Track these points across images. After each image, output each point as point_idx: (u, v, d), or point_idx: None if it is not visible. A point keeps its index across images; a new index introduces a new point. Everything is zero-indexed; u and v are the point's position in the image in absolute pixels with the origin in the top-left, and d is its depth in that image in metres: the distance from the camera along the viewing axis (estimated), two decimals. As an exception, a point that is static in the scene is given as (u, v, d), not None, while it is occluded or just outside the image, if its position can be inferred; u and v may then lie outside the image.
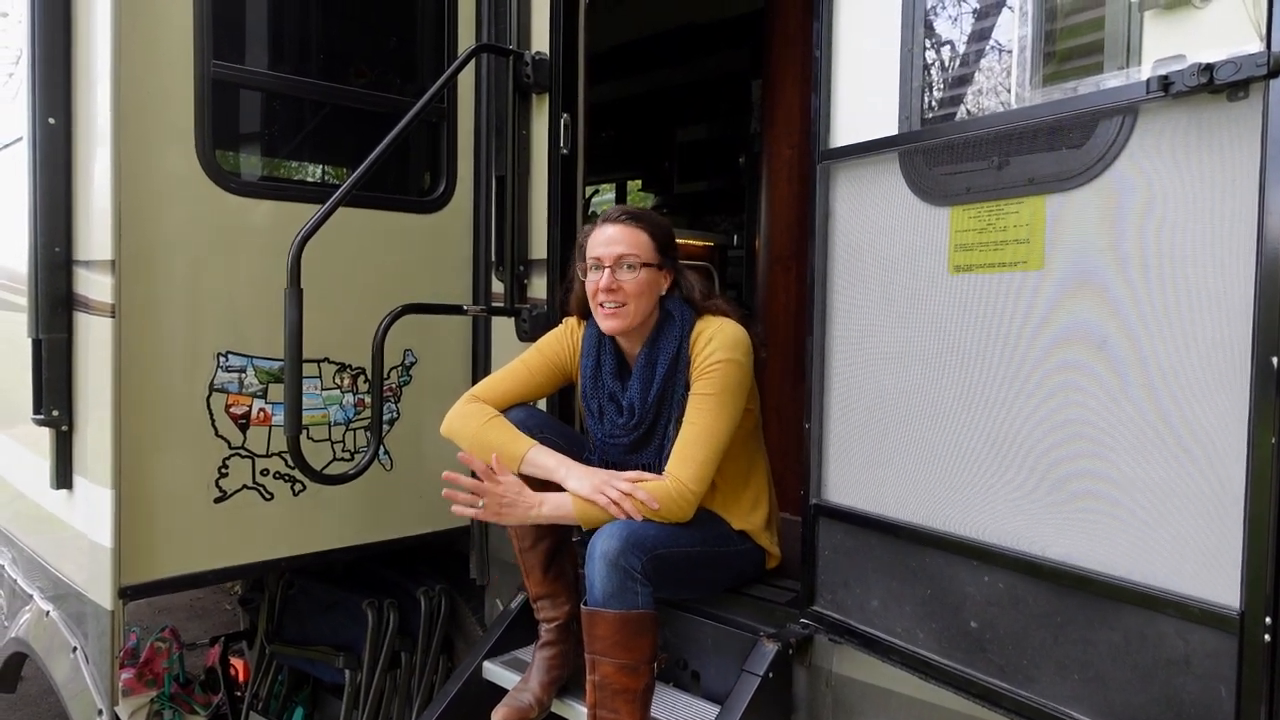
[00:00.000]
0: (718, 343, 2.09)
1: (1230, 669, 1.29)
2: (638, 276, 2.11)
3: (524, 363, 2.31)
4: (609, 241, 2.12)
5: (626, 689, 1.93)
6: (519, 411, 2.23)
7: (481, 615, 3.02)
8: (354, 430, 2.76)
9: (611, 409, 2.21)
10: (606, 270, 2.10)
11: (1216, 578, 1.31)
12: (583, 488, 2.02)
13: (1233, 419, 1.28)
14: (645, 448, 2.18)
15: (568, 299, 2.34)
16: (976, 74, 1.74)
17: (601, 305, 2.12)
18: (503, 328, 2.87)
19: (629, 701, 1.93)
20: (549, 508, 2.03)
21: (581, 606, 1.97)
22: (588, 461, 2.20)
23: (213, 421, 2.48)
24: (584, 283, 2.18)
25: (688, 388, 2.12)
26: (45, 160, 2.40)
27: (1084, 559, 1.47)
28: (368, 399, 2.73)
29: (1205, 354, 1.32)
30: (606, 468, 2.15)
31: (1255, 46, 1.23)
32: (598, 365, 2.24)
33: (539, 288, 2.77)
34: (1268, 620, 1.24)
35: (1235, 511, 1.28)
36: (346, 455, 2.75)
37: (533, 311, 2.75)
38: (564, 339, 2.33)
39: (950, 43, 1.76)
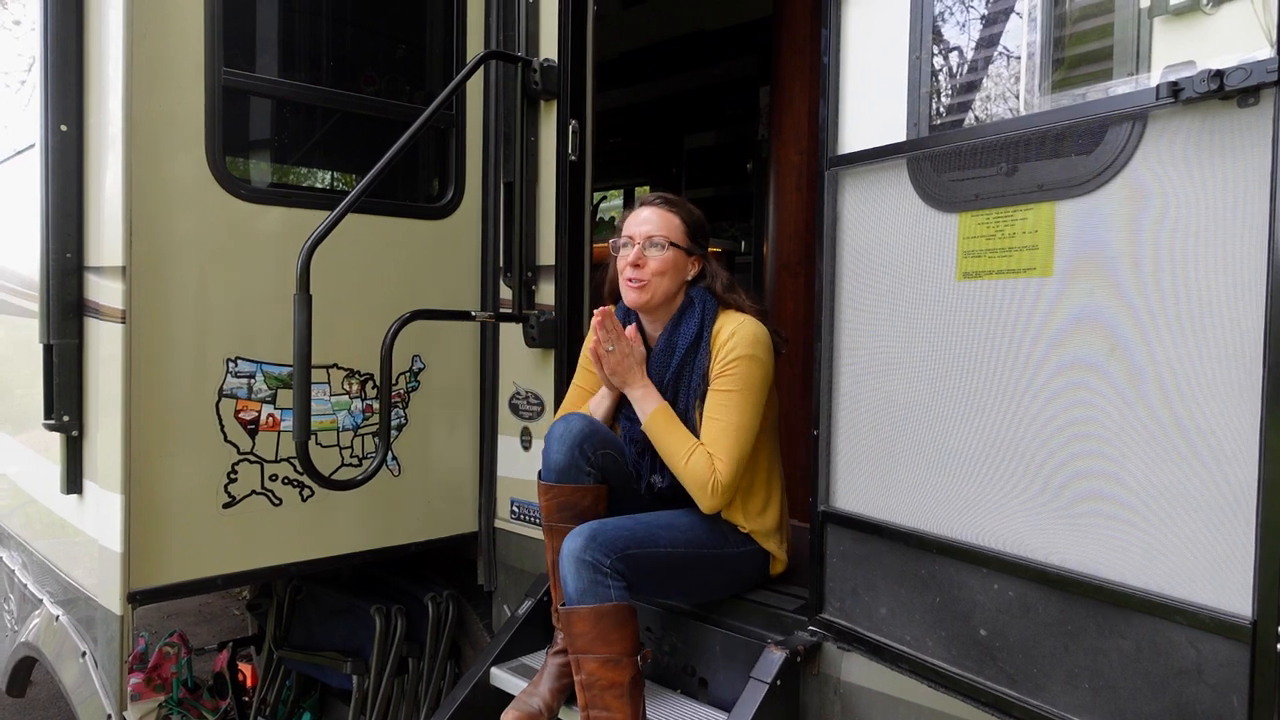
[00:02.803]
0: (738, 339, 2.13)
1: (1242, 678, 1.28)
2: (664, 255, 2.20)
3: (577, 385, 2.42)
4: (641, 221, 2.24)
5: (614, 684, 1.94)
6: (585, 422, 2.21)
7: (489, 621, 3.02)
8: (362, 436, 2.77)
9: None
10: (635, 246, 2.21)
11: (1228, 586, 1.30)
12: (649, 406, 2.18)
13: (1244, 425, 1.27)
14: None
15: (604, 280, 2.43)
16: (985, 80, 1.73)
17: (629, 280, 2.21)
18: (511, 334, 2.88)
19: (618, 696, 1.94)
20: (639, 391, 2.18)
21: (559, 609, 1.98)
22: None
23: (222, 427, 2.49)
24: (616, 261, 2.27)
25: (705, 379, 2.16)
26: (57, 167, 2.42)
27: (1095, 567, 1.46)
28: (376, 405, 2.74)
29: (1216, 359, 1.31)
30: (636, 450, 2.25)
31: (1266, 52, 1.23)
32: None
33: (547, 294, 2.77)
34: (1280, 629, 1.23)
35: (1247, 519, 1.27)
36: (355, 461, 2.75)
37: (540, 317, 2.75)
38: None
39: (958, 49, 1.76)
